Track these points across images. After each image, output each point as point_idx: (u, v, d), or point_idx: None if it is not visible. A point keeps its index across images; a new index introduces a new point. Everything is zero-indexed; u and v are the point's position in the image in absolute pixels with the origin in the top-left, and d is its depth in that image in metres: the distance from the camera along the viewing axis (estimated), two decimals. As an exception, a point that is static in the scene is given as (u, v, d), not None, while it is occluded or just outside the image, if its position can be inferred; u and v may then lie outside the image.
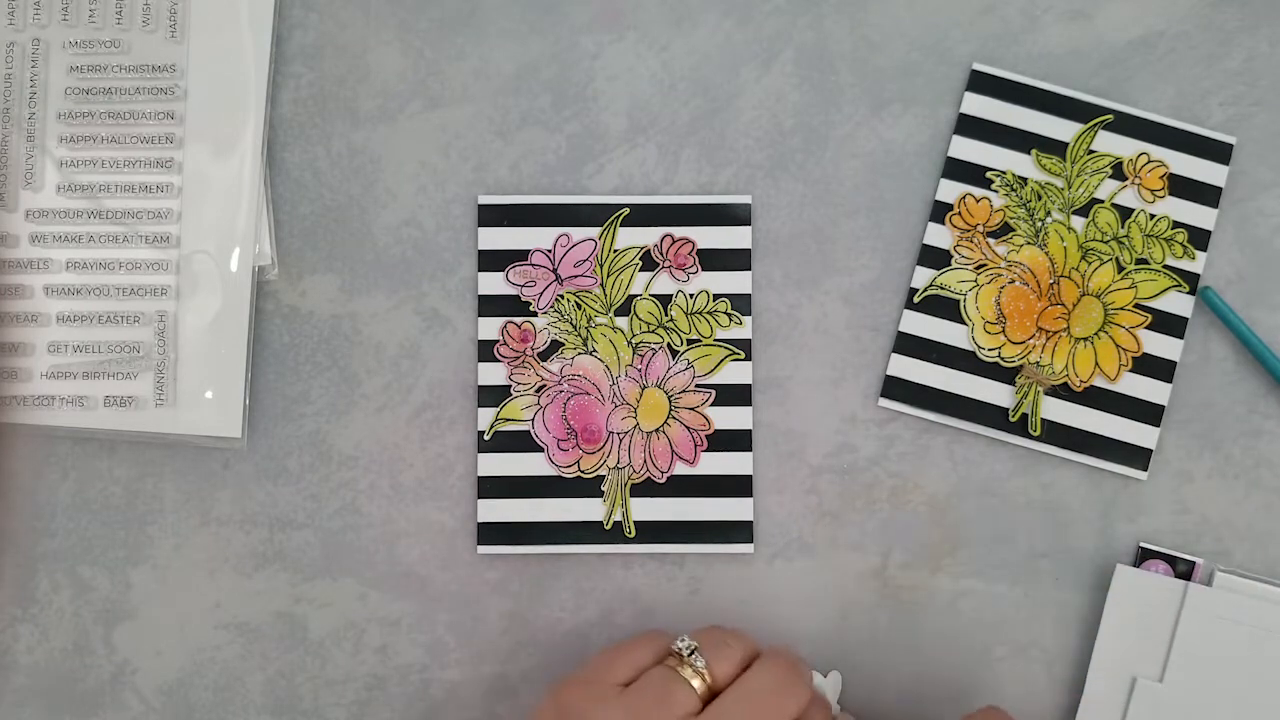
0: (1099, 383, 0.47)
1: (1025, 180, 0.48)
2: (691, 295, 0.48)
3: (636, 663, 0.40)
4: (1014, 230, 0.48)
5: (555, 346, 0.47)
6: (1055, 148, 0.48)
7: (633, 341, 0.47)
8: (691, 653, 0.39)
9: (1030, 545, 0.47)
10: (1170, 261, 0.48)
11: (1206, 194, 0.48)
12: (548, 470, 0.47)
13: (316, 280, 0.48)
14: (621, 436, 0.47)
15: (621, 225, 0.48)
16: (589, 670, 0.40)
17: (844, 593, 0.47)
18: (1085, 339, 0.47)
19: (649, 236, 0.48)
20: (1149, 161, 0.48)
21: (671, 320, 0.48)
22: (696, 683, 0.38)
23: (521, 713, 0.47)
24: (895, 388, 0.47)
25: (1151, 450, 0.47)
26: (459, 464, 0.47)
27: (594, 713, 0.38)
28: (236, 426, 0.47)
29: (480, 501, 0.47)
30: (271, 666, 0.47)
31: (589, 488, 0.47)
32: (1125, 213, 0.48)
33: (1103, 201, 0.48)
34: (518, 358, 0.47)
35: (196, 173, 0.48)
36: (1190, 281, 0.47)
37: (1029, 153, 0.48)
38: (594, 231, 0.48)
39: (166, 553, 0.47)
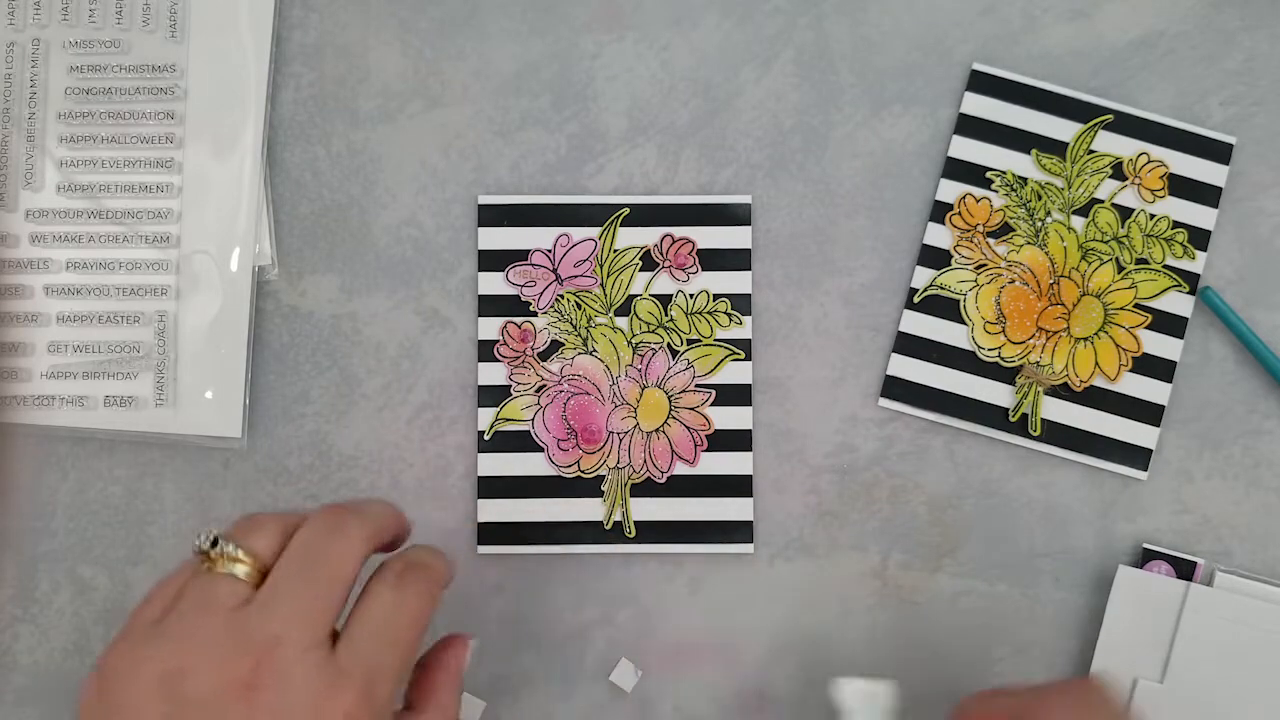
0: (1099, 383, 0.47)
1: (1025, 180, 0.48)
2: (691, 295, 0.48)
3: (172, 590, 0.34)
4: (1014, 230, 0.48)
5: (555, 346, 0.47)
6: (1055, 148, 0.48)
7: (633, 341, 0.47)
8: (214, 543, 0.34)
9: (1030, 545, 0.47)
10: (1170, 261, 0.48)
11: (1206, 194, 0.48)
12: (548, 470, 0.47)
13: (316, 280, 0.48)
14: (621, 436, 0.47)
15: (621, 225, 0.48)
16: (125, 625, 0.34)
17: (844, 593, 0.47)
18: (1085, 339, 0.47)
19: (649, 236, 0.48)
20: (1149, 161, 0.48)
21: (671, 320, 0.48)
22: (240, 569, 0.33)
23: (522, 713, 0.47)
24: (895, 388, 0.47)
25: (1151, 450, 0.47)
26: (459, 464, 0.47)
27: (136, 664, 0.32)
28: (236, 426, 0.47)
29: (480, 501, 0.47)
30: (271, 666, 0.47)
31: (589, 488, 0.47)
32: (1125, 213, 0.48)
33: (1103, 201, 0.48)
34: (518, 358, 0.47)
35: (196, 173, 0.48)
36: (1190, 281, 0.47)
37: (1029, 153, 0.48)
38: (594, 231, 0.48)
39: (166, 553, 0.47)
